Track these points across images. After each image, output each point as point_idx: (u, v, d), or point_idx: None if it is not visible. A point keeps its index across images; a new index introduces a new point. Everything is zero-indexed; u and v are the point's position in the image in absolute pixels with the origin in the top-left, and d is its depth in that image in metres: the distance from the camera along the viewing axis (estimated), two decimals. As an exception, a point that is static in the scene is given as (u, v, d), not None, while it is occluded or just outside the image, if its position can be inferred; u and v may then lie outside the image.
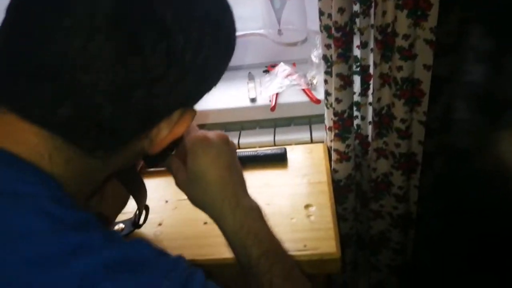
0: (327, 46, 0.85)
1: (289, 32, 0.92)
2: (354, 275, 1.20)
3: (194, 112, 0.48)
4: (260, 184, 0.95)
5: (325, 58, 0.87)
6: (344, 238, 1.10)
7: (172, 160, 0.58)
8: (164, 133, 0.46)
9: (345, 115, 0.89)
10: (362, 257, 1.22)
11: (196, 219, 0.88)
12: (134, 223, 0.80)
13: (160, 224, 0.88)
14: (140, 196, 0.72)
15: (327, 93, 0.93)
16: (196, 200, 0.56)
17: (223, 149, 0.55)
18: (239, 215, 0.53)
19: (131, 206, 0.76)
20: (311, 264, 0.76)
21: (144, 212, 0.77)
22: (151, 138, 0.46)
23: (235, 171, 0.56)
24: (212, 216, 0.55)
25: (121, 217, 0.78)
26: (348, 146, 0.94)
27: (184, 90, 0.43)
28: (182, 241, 0.84)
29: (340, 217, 1.06)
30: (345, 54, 0.80)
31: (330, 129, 0.97)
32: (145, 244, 0.41)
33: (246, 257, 0.53)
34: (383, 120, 0.92)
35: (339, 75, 0.83)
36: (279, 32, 0.89)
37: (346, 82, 0.84)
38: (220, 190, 0.54)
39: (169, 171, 0.60)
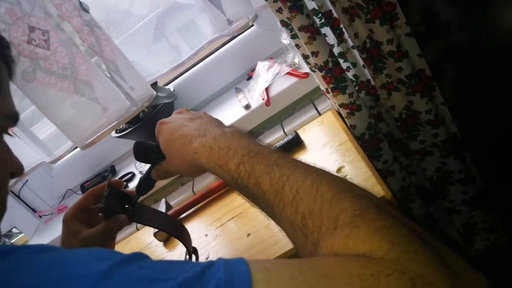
0: (279, 10, 0.82)
1: (238, 19, 0.90)
2: (435, 230, 1.08)
3: None
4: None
5: (283, 23, 0.84)
6: (402, 194, 1.00)
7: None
8: None
9: (330, 64, 0.83)
10: (434, 209, 1.10)
11: (239, 236, 0.85)
12: None
13: (207, 258, 0.84)
14: (186, 240, 0.77)
15: (305, 57, 0.88)
16: (184, 167, 0.54)
17: (176, 117, 0.59)
18: (206, 142, 0.49)
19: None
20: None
21: (193, 253, 0.80)
22: None
23: (198, 119, 0.56)
24: (200, 165, 0.50)
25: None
26: (350, 95, 0.87)
27: None
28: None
29: (385, 173, 0.97)
30: (295, 5, 0.77)
31: (327, 91, 0.92)
32: None
33: (228, 175, 0.46)
34: (372, 53, 0.86)
35: (302, 28, 0.79)
36: (228, 21, 0.87)
37: (312, 32, 0.80)
38: (185, 140, 0.52)
39: (170, 175, 0.61)
